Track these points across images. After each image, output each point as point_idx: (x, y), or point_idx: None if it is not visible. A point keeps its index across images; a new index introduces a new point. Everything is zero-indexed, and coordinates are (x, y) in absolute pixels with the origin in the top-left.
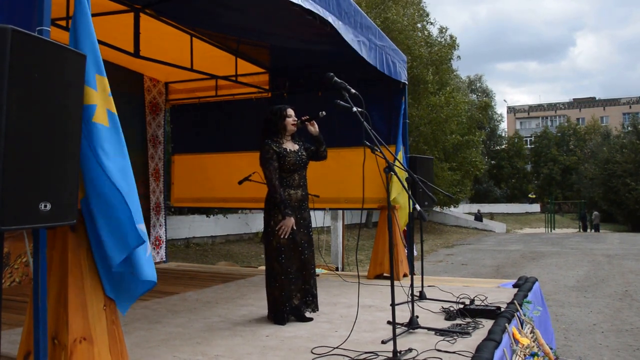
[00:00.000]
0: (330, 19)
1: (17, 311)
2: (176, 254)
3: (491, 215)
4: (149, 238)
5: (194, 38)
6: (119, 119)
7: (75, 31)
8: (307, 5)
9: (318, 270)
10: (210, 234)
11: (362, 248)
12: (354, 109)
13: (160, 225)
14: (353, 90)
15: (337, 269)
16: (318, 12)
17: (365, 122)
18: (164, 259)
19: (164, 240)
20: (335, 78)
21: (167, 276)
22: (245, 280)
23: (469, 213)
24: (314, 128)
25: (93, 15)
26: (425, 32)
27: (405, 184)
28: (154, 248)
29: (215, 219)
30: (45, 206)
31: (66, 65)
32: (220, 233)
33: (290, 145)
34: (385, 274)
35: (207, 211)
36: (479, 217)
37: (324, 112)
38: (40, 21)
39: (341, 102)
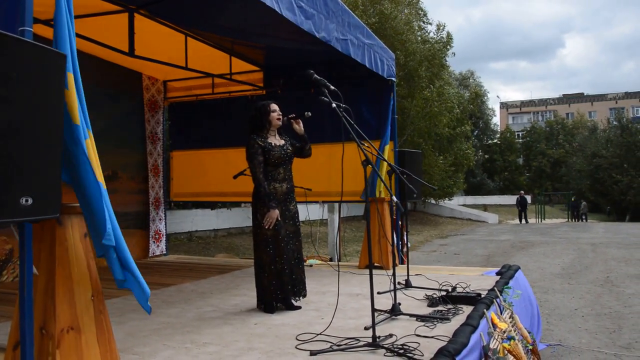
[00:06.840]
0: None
1: None
2: (179, 247)
3: (484, 207)
4: (150, 231)
5: (188, 37)
6: (118, 116)
7: (56, 32)
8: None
9: (312, 261)
10: (212, 227)
11: (360, 240)
12: (333, 104)
13: (160, 219)
14: (332, 87)
15: (330, 260)
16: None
17: (346, 117)
18: (164, 252)
19: (164, 233)
20: (315, 75)
21: (165, 268)
22: (241, 271)
23: (464, 205)
24: (298, 126)
25: (88, 15)
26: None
27: (384, 177)
28: (154, 241)
29: (218, 213)
30: (27, 200)
31: (46, 65)
32: (223, 226)
33: (276, 140)
34: (375, 264)
35: (211, 205)
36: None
37: (309, 113)
38: (23, 21)
39: (325, 98)
